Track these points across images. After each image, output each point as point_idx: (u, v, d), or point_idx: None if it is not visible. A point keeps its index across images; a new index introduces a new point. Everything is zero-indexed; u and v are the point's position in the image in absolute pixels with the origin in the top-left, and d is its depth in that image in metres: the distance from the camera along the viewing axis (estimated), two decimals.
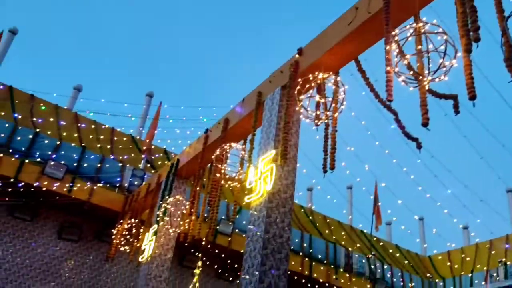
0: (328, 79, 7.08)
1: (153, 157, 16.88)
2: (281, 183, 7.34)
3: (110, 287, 14.17)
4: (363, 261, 18.18)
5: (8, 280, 12.75)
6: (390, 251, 20.87)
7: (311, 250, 16.94)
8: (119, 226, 13.18)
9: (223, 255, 15.20)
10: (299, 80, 7.14)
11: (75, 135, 14.95)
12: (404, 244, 22.22)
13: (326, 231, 19.04)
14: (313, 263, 16.67)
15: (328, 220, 20.21)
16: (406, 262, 20.71)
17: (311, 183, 20.80)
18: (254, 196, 7.53)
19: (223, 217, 15.02)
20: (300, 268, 15.96)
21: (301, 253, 16.34)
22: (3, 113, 14.04)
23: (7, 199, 12.83)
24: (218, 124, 10.42)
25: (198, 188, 10.60)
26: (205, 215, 12.41)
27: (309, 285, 16.52)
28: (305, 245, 16.84)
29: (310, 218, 19.30)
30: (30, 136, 13.56)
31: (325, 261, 17.09)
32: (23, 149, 13.16)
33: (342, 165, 7.24)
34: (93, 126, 16.26)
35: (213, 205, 9.45)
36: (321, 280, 16.56)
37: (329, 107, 7.02)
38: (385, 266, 18.68)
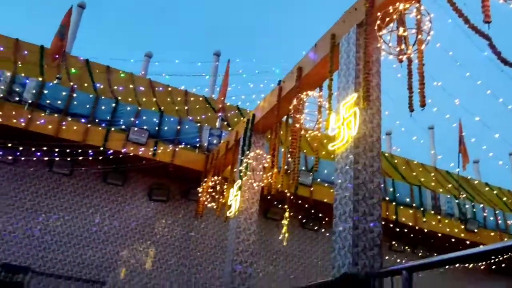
0: (410, 9, 6.49)
1: (228, 115, 17.07)
2: (366, 127, 7.01)
3: (201, 242, 14.85)
4: (452, 202, 17.45)
5: (109, 241, 13.75)
6: (483, 189, 19.83)
7: (397, 195, 16.51)
8: (204, 184, 13.59)
9: (306, 206, 15.27)
10: (378, 14, 6.62)
11: (153, 99, 15.40)
12: (495, 182, 21.01)
13: (410, 175, 18.42)
14: (399, 208, 16.29)
15: (412, 163, 19.51)
16: (498, 200, 19.62)
17: (389, 126, 20.04)
18: (338, 143, 7.28)
19: (302, 168, 14.97)
20: (386, 213, 15.66)
21: (386, 198, 15.97)
22: (85, 84, 14.78)
23: (99, 167, 13.63)
24: (291, 74, 10.13)
25: (276, 141, 10.54)
26: (285, 167, 12.38)
27: (397, 230, 16.22)
28: (390, 189, 16.44)
29: (393, 162, 18.73)
30: (113, 105, 14.15)
31: (412, 205, 16.62)
32: (108, 118, 13.80)
33: (429, 102, 6.72)
34: (169, 89, 16.74)
35: (295, 156, 9.34)
36: (410, 224, 16.18)
37: (413, 39, 6.47)
38: (476, 206, 17.81)
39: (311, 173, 15.00)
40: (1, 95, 12.86)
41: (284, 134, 10.89)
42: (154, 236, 14.38)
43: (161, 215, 14.69)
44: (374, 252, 6.22)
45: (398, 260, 16.30)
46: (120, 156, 13.39)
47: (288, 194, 11.64)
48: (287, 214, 10.94)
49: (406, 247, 17.31)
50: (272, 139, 10.85)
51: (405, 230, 16.40)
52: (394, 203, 16.22)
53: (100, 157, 13.19)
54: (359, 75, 7.32)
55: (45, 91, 13.44)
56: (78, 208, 13.76)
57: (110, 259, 13.60)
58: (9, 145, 12.68)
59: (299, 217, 16.04)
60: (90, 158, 13.14)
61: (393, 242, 17.08)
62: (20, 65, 14.38)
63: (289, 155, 9.81)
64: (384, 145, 20.39)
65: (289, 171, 11.37)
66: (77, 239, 13.43)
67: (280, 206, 14.56)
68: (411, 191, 16.97)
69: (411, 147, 18.90)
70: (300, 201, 14.88)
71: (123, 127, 13.87)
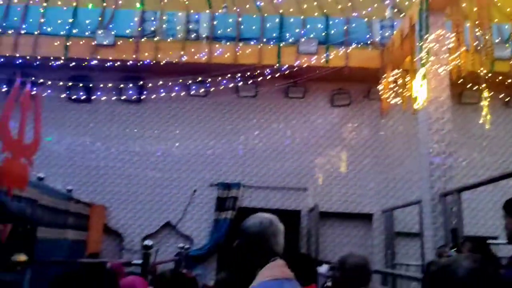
0: None
1: (397, 0, 15.56)
2: None
3: (392, 139, 14.50)
4: None
5: (302, 151, 14.51)
6: None
7: None
8: (383, 81, 12.99)
9: (507, 82, 13.39)
10: None
11: (314, 4, 14.96)
12: None
13: None
14: None
15: None
16: None
17: None
18: None
19: (496, 41, 13.01)
20: None
21: None
22: (247, 6, 15.14)
23: (276, 84, 14.15)
24: None
25: (460, 16, 9.21)
26: (475, 43, 10.90)
27: None
28: None
29: None
30: (277, 21, 14.25)
31: None
32: (275, 35, 14.00)
33: None
34: None
35: (485, 28, 8.09)
36: None
37: None
38: None
39: (507, 44, 12.93)
40: (179, 35, 14.12)
41: (468, 5, 9.43)
42: (343, 141, 14.59)
43: (346, 119, 14.71)
44: None
45: None
46: (295, 69, 13.59)
47: (484, 73, 10.28)
48: (486, 94, 9.72)
49: None
50: (454, 14, 9.51)
51: None
52: None
53: (277, 75, 13.63)
54: None
55: (215, 22, 14.24)
56: (269, 125, 14.71)
57: (308, 167, 14.39)
58: (199, 79, 14.04)
59: (501, 96, 14.20)
60: (269, 77, 13.68)
61: None
62: (186, 3, 15.39)
63: (477, 29, 8.53)
64: None
65: (479, 47, 9.96)
66: (275, 153, 14.50)
67: (475, 88, 13.08)
68: None
69: None
70: (499, 78, 13.09)
71: (291, 40, 13.92)
